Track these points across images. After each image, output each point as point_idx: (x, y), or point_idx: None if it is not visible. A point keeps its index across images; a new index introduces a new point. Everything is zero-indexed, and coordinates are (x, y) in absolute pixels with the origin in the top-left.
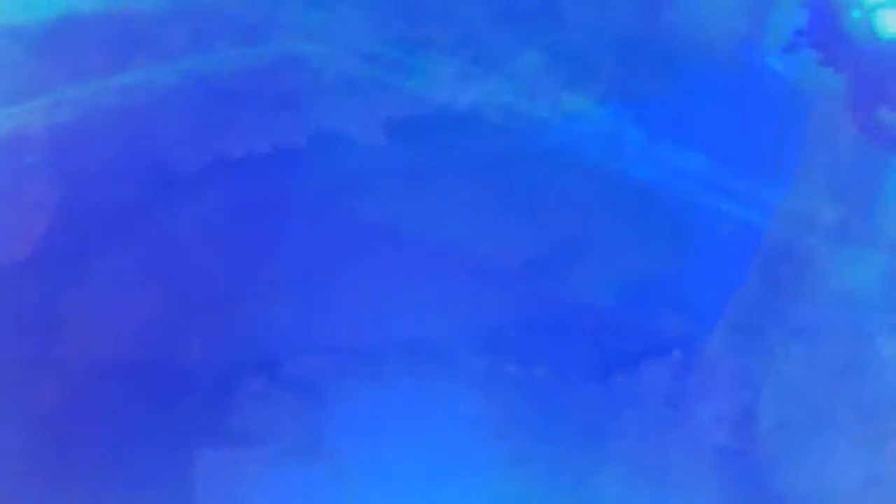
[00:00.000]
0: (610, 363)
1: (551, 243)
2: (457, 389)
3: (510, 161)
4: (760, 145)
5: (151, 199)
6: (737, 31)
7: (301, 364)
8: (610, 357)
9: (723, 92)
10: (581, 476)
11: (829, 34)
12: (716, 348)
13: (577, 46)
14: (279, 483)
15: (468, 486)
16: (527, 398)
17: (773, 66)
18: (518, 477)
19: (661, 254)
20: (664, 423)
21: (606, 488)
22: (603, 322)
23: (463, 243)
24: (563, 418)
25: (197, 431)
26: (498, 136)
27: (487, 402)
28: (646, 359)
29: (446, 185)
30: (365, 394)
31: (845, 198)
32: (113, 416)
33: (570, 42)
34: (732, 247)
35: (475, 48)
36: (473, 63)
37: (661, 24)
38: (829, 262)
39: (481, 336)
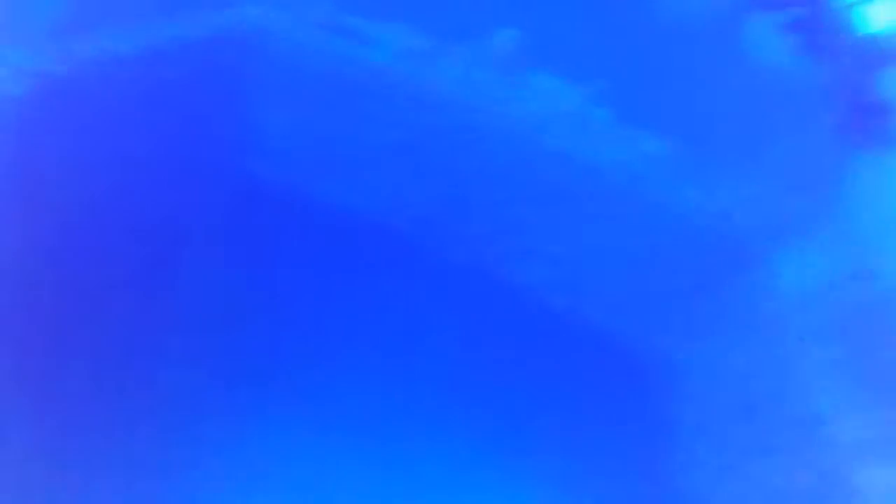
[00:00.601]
0: (555, 351)
1: (511, 222)
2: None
3: (476, 138)
4: (729, 134)
5: (105, 170)
6: (714, 15)
7: None
8: (554, 346)
9: (696, 78)
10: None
11: (810, 25)
12: (667, 340)
13: (550, 25)
14: None
15: None
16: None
17: (749, 55)
18: None
19: (616, 238)
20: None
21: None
22: (547, 308)
23: (424, 221)
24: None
25: None
26: (465, 112)
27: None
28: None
29: (410, 161)
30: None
31: (809, 192)
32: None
33: (543, 21)
34: (690, 235)
35: (445, 24)
36: (442, 39)
37: (636, 7)
38: (776, 257)
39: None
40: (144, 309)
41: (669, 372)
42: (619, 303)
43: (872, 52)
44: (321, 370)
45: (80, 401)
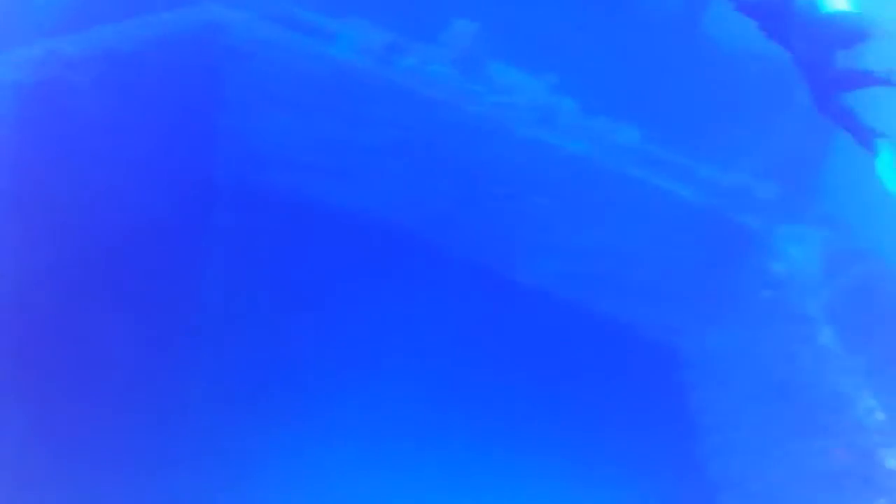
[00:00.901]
0: (530, 336)
1: (477, 215)
2: None
3: (438, 132)
4: (698, 119)
5: (65, 170)
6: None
7: None
8: (530, 330)
9: (661, 64)
10: None
11: (773, 6)
12: (645, 326)
13: (507, 18)
14: None
15: None
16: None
17: (714, 38)
18: None
19: (590, 229)
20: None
21: None
22: (527, 298)
23: (389, 215)
24: None
25: None
26: (426, 106)
27: None
28: (567, 334)
29: (371, 157)
30: None
31: (784, 174)
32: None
33: (499, 13)
34: (665, 223)
35: (403, 19)
36: (403, 32)
37: None
38: (765, 242)
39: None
40: (132, 313)
41: (689, 359)
42: (626, 293)
43: (837, 31)
44: (327, 370)
45: (74, 403)
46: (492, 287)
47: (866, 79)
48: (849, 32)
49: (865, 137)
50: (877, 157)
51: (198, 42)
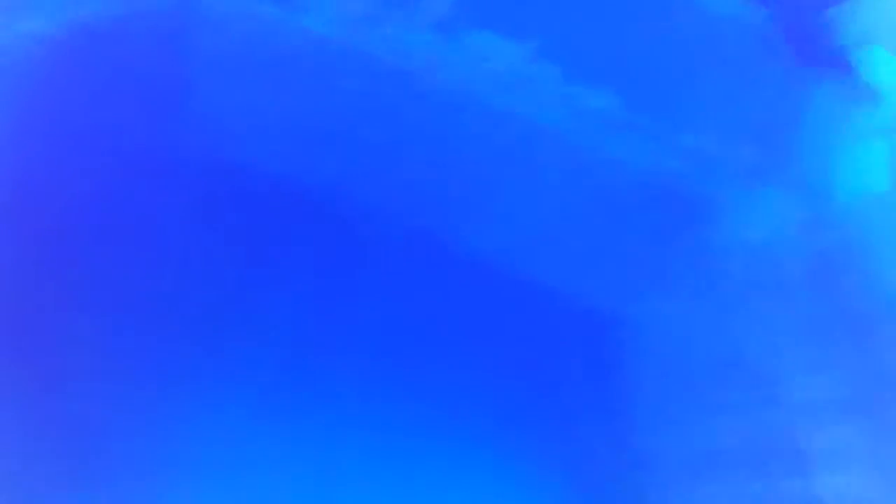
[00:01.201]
0: (480, 307)
1: (456, 188)
2: None
3: (415, 103)
4: (674, 83)
5: (42, 152)
6: None
7: None
8: (480, 301)
9: (637, 26)
10: None
11: None
12: (621, 298)
13: None
14: None
15: None
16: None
17: (692, 2)
18: None
19: (562, 199)
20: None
21: None
22: (500, 273)
23: (362, 188)
24: None
25: None
26: (404, 77)
27: None
28: (542, 310)
29: (346, 129)
30: None
31: (761, 139)
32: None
33: None
34: (642, 191)
35: None
36: (376, 3)
37: None
38: (743, 208)
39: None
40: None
41: (627, 330)
42: (572, 263)
43: None
44: (314, 363)
45: (72, 400)
46: (439, 255)
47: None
48: None
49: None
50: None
51: (168, 14)
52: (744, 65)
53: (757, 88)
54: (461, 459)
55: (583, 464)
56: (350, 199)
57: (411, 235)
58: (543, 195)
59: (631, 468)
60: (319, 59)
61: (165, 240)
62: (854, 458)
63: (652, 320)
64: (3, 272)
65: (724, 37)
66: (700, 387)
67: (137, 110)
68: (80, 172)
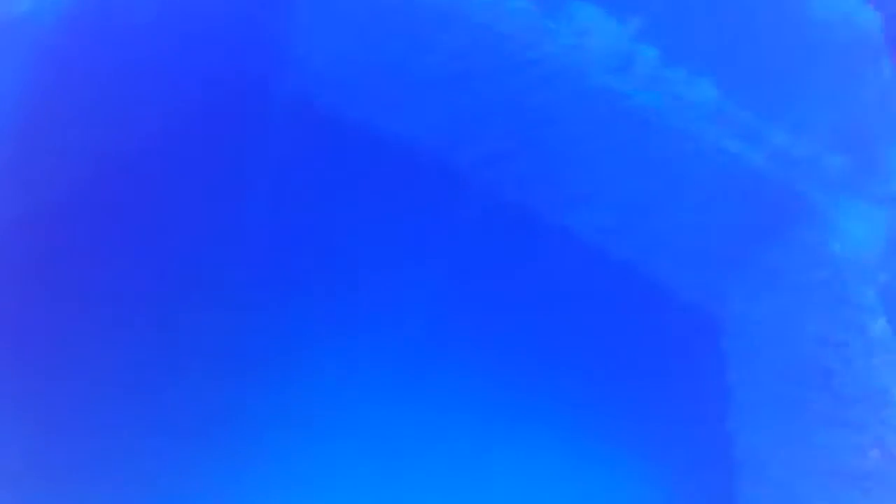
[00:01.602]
0: (570, 286)
1: (535, 158)
2: None
3: (506, 68)
4: (777, 81)
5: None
6: None
7: None
8: (583, 285)
9: (744, 19)
10: None
11: None
12: (691, 289)
13: None
14: None
15: None
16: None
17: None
18: None
19: (649, 184)
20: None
21: None
22: (573, 247)
23: (445, 148)
24: None
25: None
26: (497, 40)
27: None
28: (620, 290)
29: (433, 88)
30: None
31: (855, 148)
32: None
33: None
34: (727, 186)
35: None
36: None
37: None
38: (827, 217)
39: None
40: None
41: (731, 329)
42: (676, 252)
43: None
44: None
45: (76, 400)
46: (539, 232)
47: None
48: None
49: None
50: None
51: None
52: (847, 71)
53: (858, 96)
54: (558, 449)
55: (678, 464)
56: (439, 160)
57: (503, 208)
58: (635, 175)
59: (726, 474)
60: (415, 14)
61: (241, 175)
62: None
63: (760, 321)
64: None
65: (830, 40)
66: (811, 397)
67: (230, 44)
68: (159, 99)
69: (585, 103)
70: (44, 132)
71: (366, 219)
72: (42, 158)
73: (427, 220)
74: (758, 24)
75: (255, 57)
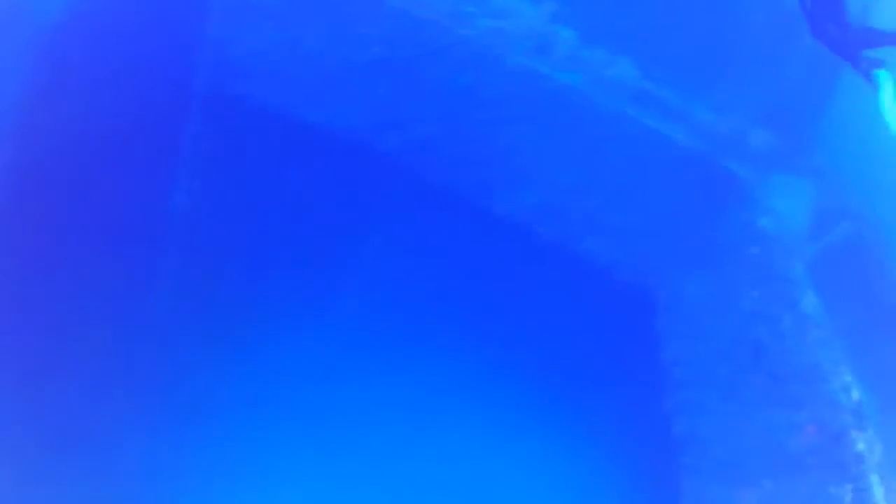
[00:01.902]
0: (501, 269)
1: (459, 142)
2: None
3: (426, 53)
4: (698, 58)
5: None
6: None
7: None
8: (502, 263)
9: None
10: None
11: None
12: (624, 268)
13: None
14: None
15: None
16: None
17: None
18: None
19: (575, 164)
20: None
21: None
22: (504, 229)
23: (368, 135)
24: None
25: None
26: (415, 25)
27: None
28: (553, 271)
29: (353, 74)
30: None
31: (780, 122)
32: None
33: None
34: (653, 165)
35: None
36: None
37: None
38: (754, 193)
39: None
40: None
41: (665, 306)
42: (607, 231)
43: None
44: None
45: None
46: (469, 216)
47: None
48: None
49: (865, 68)
50: (877, 90)
51: None
52: (768, 46)
53: (780, 71)
54: (503, 428)
55: (618, 439)
56: (363, 147)
57: (429, 192)
58: (562, 156)
59: (669, 452)
60: (337, 3)
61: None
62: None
63: (696, 297)
64: None
65: (751, 16)
66: (739, 376)
67: (147, 39)
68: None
69: (507, 86)
70: None
71: (292, 207)
72: None
73: (354, 206)
74: (677, 1)
75: (171, 51)
